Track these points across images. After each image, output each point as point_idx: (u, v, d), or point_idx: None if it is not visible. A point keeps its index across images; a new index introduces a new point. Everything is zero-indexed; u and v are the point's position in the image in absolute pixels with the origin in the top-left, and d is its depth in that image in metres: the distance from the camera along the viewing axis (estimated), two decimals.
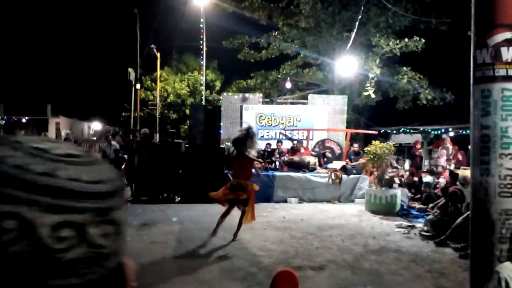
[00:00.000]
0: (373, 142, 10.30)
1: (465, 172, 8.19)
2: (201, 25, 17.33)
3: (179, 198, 10.32)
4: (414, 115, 18.46)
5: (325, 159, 12.07)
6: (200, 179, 9.60)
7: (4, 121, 23.97)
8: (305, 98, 16.01)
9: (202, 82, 18.64)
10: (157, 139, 16.92)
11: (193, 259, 5.68)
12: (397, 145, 15.27)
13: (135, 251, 5.58)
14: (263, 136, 14.05)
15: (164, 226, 7.45)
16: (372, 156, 9.93)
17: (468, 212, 4.69)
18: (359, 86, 17.46)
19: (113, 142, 12.11)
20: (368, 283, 4.91)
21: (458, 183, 7.89)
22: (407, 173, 12.42)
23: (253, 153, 6.86)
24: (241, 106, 14.59)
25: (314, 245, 6.46)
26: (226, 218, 6.60)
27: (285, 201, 10.38)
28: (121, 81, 23.45)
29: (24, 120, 24.82)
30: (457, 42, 11.49)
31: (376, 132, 14.27)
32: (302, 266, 5.42)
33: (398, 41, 15.69)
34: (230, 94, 17.05)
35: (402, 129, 17.86)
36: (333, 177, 10.69)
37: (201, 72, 18.52)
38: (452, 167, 10.97)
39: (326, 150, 12.67)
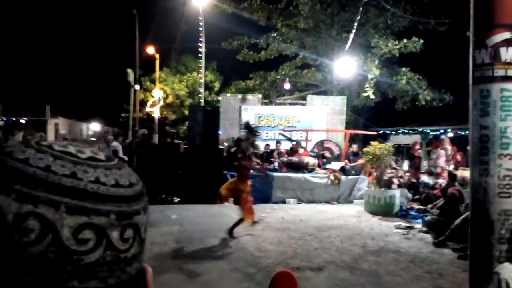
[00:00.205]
0: (372, 143, 10.30)
1: (464, 173, 8.19)
2: (200, 26, 17.32)
3: (178, 199, 10.31)
4: (413, 116, 18.45)
5: (324, 159, 12.06)
6: (199, 180, 9.60)
7: (3, 122, 23.93)
8: (304, 99, 16.03)
9: (201, 83, 18.62)
10: (156, 140, 16.89)
11: (191, 260, 5.67)
12: (396, 146, 15.23)
13: None
14: (262, 136, 14.04)
15: (163, 227, 7.41)
16: (371, 157, 9.93)
17: (467, 213, 4.70)
18: (358, 87, 17.46)
19: (114, 143, 12.03)
20: (367, 284, 4.90)
21: (457, 183, 7.88)
22: (407, 174, 12.41)
23: (251, 151, 6.99)
24: (240, 107, 14.60)
25: (313, 246, 6.45)
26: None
27: (284, 202, 10.37)
28: (120, 82, 23.42)
29: (23, 121, 24.77)
30: (456, 42, 11.52)
31: (375, 133, 14.30)
32: (300, 266, 5.40)
33: (397, 42, 15.69)
34: (229, 95, 17.07)
35: (401, 129, 17.89)
36: (332, 178, 10.68)
37: (200, 73, 18.49)
38: (451, 167, 10.97)
39: (325, 151, 12.67)
